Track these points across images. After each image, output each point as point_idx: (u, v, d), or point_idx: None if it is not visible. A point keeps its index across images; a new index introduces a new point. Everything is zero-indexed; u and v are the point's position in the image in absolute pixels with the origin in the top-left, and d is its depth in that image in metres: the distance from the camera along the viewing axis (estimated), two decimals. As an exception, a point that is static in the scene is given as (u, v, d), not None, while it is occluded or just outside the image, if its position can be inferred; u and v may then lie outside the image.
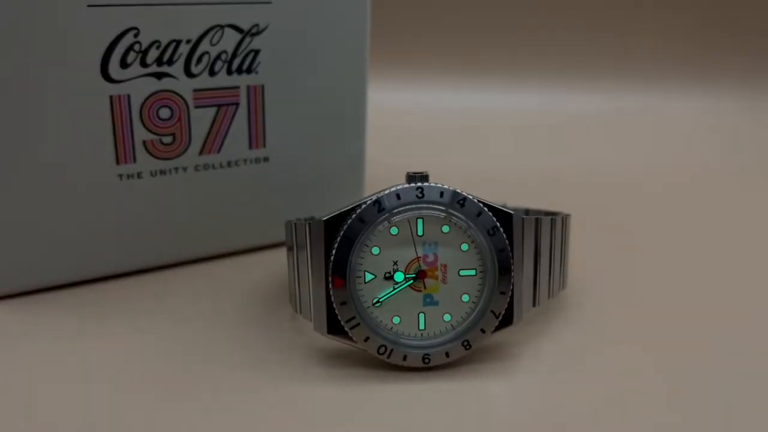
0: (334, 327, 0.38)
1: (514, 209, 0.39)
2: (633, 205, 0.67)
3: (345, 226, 0.37)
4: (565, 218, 0.43)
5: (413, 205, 0.37)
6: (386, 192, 0.37)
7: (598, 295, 0.48)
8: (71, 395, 0.37)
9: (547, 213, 0.44)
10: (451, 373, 0.38)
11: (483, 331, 0.38)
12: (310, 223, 0.38)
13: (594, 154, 0.80)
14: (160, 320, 0.44)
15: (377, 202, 0.37)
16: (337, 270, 0.37)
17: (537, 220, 0.40)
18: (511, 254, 0.38)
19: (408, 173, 0.38)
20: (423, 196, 0.37)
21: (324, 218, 0.37)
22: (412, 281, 0.38)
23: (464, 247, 0.38)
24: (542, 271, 0.41)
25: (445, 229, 0.38)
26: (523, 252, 0.39)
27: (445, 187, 0.37)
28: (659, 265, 0.53)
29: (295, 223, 0.40)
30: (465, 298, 0.38)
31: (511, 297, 0.38)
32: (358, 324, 0.38)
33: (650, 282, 0.50)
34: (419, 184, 0.37)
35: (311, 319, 0.39)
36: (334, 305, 0.37)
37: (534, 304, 0.41)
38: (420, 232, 0.38)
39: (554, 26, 0.89)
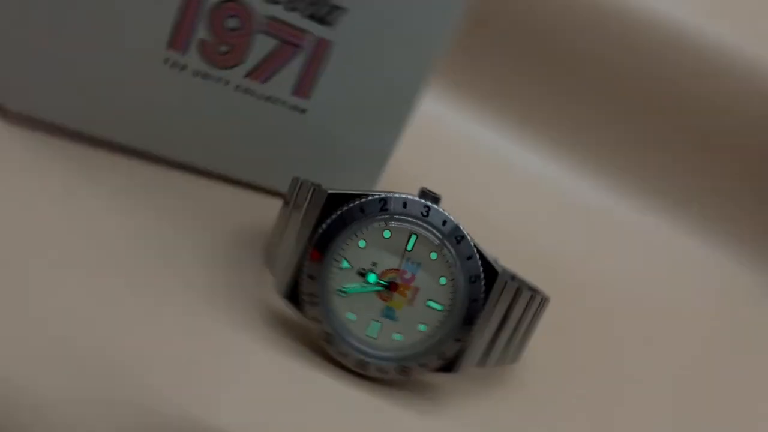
0: (292, 294, 0.38)
1: (503, 269, 0.39)
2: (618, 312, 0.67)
3: (345, 208, 0.37)
4: (543, 300, 0.43)
5: (415, 220, 0.37)
6: (395, 195, 0.37)
7: (544, 377, 0.48)
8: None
9: (531, 288, 0.44)
10: (375, 389, 0.38)
11: (423, 366, 0.38)
12: (315, 189, 0.38)
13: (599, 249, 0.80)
14: (138, 210, 0.44)
15: (384, 200, 0.37)
16: (320, 245, 0.37)
17: (518, 290, 0.40)
18: (482, 309, 0.38)
19: (422, 189, 0.38)
20: (427, 215, 0.37)
21: (330, 191, 0.37)
22: (381, 288, 0.38)
23: (443, 281, 0.38)
24: (501, 338, 0.41)
25: (434, 256, 0.38)
26: (494, 312, 0.39)
27: (451, 217, 0.37)
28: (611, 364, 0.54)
29: (302, 182, 0.39)
30: (422, 327, 0.38)
31: (463, 348, 0.38)
32: (317, 303, 0.37)
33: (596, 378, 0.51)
34: (428, 203, 0.37)
35: (275, 276, 0.39)
36: (302, 275, 0.37)
37: (480, 364, 0.41)
38: (410, 248, 0.38)
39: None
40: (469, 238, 0.37)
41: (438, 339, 0.38)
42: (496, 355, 0.41)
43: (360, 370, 0.38)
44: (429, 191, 0.38)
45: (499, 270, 0.38)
